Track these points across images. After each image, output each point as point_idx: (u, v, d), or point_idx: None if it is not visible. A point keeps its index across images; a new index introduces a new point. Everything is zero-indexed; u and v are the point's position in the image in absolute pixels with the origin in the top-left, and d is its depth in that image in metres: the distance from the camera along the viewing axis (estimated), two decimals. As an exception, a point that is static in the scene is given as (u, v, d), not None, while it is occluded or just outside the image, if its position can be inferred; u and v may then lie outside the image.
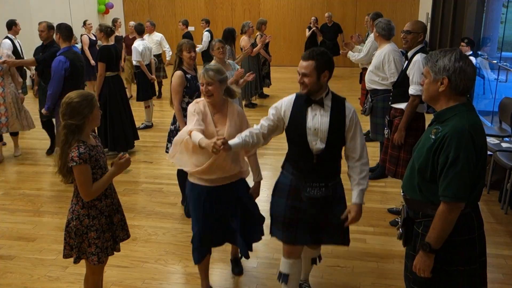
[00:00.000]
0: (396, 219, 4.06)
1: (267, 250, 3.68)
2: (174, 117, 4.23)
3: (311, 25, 11.27)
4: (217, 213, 2.91)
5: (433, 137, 2.03)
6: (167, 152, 4.37)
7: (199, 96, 4.30)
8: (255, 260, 3.53)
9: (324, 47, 10.79)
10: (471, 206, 2.10)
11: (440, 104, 2.07)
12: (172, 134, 4.26)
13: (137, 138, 6.20)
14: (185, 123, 4.15)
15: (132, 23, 6.26)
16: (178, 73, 4.11)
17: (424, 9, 12.07)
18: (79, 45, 11.09)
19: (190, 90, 4.15)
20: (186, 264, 3.51)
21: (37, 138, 6.68)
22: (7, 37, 7.36)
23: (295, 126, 2.60)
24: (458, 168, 1.93)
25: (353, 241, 3.75)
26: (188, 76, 4.16)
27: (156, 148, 6.28)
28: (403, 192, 2.26)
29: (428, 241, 2.04)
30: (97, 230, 2.55)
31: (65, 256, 2.66)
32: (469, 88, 2.03)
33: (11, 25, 7.35)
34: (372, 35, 5.84)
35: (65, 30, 4.92)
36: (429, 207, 2.08)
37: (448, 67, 1.98)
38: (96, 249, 2.56)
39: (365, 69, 5.90)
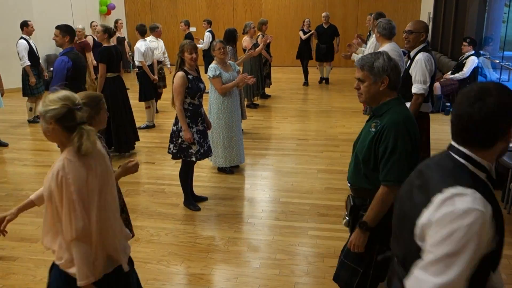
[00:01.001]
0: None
1: (269, 250, 3.68)
2: (176, 117, 4.24)
3: (305, 28, 10.53)
4: None
5: (373, 130, 2.24)
6: (169, 152, 4.38)
7: (201, 97, 4.31)
8: (257, 260, 3.53)
9: (318, 51, 10.42)
10: None
11: (377, 102, 2.27)
12: (174, 134, 4.27)
13: (138, 139, 6.20)
14: (187, 124, 4.17)
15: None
16: (180, 73, 4.12)
17: (426, 9, 12.06)
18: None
19: (192, 91, 4.16)
20: (189, 265, 3.52)
21: (40, 139, 6.70)
22: (22, 38, 7.51)
23: None
24: (397, 156, 2.15)
25: (355, 241, 3.76)
26: (190, 77, 4.16)
27: (158, 149, 6.29)
28: (349, 184, 2.46)
29: (365, 220, 2.26)
30: None
31: None
32: (399, 83, 2.28)
33: (23, 26, 7.57)
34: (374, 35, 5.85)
35: (72, 32, 4.94)
36: (373, 194, 2.26)
37: (386, 67, 2.19)
38: None
39: None
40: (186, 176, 4.45)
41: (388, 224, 2.17)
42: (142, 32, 7.37)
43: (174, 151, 4.29)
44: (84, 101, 2.41)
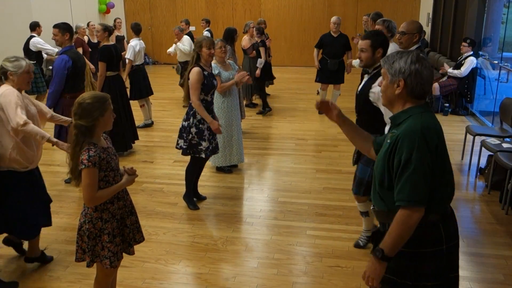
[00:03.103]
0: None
1: (267, 250, 3.68)
2: (187, 113, 4.20)
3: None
4: None
5: (388, 141, 1.97)
6: (177, 148, 4.34)
7: (213, 94, 4.30)
8: (255, 260, 3.53)
9: (324, 68, 7.79)
10: (438, 214, 1.96)
11: (396, 107, 2.00)
12: (185, 130, 4.22)
13: (137, 138, 6.19)
14: (208, 116, 4.12)
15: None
16: (196, 69, 4.08)
17: (425, 9, 12.07)
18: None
19: (206, 87, 4.13)
20: (187, 264, 3.52)
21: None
22: (33, 36, 7.78)
23: None
24: (411, 170, 1.83)
25: (353, 241, 3.76)
26: (205, 73, 4.14)
27: (156, 148, 6.28)
28: (372, 205, 2.16)
29: (381, 247, 1.89)
30: (109, 234, 2.53)
31: (78, 259, 2.61)
32: (425, 92, 1.96)
33: (35, 27, 7.95)
34: None
35: (71, 29, 4.92)
36: (392, 217, 1.91)
37: (404, 69, 1.92)
38: (109, 253, 2.54)
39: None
40: (193, 173, 4.41)
41: (420, 254, 1.93)
42: (137, 30, 7.37)
43: (184, 146, 4.23)
44: (89, 101, 2.40)
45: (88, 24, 9.61)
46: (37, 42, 7.63)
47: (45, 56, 8.20)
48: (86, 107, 2.39)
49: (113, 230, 2.54)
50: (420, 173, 1.83)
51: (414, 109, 1.95)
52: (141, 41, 7.34)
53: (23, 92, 3.28)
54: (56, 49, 7.39)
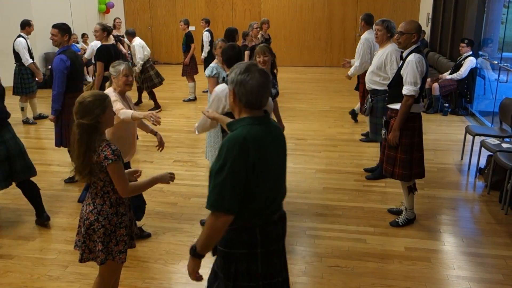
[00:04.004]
0: (396, 220, 4.06)
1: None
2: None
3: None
4: None
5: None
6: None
7: None
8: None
9: None
10: (256, 219, 2.01)
11: (236, 115, 2.05)
12: None
13: (136, 138, 6.18)
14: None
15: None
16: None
17: (425, 9, 12.07)
18: (79, 45, 11.13)
19: None
20: (186, 263, 3.50)
21: (35, 137, 6.68)
22: (21, 36, 7.44)
23: None
24: (221, 178, 1.86)
25: (353, 241, 3.77)
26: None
27: (156, 148, 6.26)
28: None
29: (195, 245, 1.99)
30: (126, 226, 2.56)
31: (84, 260, 2.58)
32: (252, 102, 1.96)
33: (25, 25, 7.51)
34: (363, 37, 5.92)
35: (70, 30, 4.90)
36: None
37: (233, 79, 1.98)
38: (124, 246, 2.56)
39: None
40: None
41: (233, 254, 2.00)
42: (133, 33, 7.42)
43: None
44: (90, 100, 2.41)
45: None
46: (19, 44, 7.29)
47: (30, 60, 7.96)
48: (87, 105, 2.39)
49: (128, 221, 2.59)
50: (229, 183, 1.86)
51: (247, 119, 1.98)
52: (139, 38, 7.41)
53: (126, 94, 3.60)
54: (31, 61, 7.32)
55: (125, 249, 2.57)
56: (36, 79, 7.48)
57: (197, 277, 2.05)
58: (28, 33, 7.52)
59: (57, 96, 4.71)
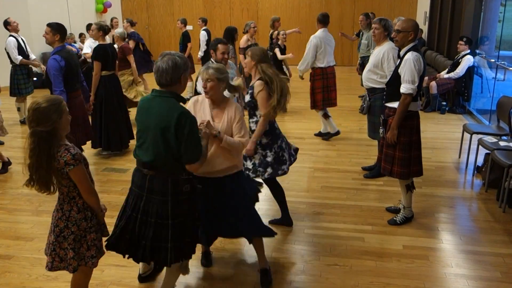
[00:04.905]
0: (394, 218, 4.07)
1: (265, 249, 3.66)
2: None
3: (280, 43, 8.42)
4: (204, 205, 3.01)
5: None
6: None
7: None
8: (254, 259, 3.53)
9: None
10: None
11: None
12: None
13: (133, 137, 6.19)
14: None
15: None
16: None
17: (422, 8, 12.09)
18: (77, 45, 11.11)
19: None
20: (185, 262, 3.50)
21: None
22: (11, 36, 7.45)
23: None
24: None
25: (351, 240, 3.78)
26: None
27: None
28: None
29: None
30: (96, 231, 2.54)
31: (54, 268, 2.53)
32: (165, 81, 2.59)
33: (6, 26, 7.50)
34: (312, 36, 6.23)
35: (63, 31, 4.87)
36: None
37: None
38: (96, 251, 2.54)
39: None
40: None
41: None
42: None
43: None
44: (45, 105, 2.30)
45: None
46: (8, 43, 7.30)
47: (33, 56, 7.93)
48: (43, 111, 2.29)
49: (97, 224, 2.56)
50: None
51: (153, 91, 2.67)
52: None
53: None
54: (19, 58, 7.28)
55: (96, 254, 2.53)
56: (38, 71, 7.39)
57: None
58: (15, 30, 7.47)
59: (60, 95, 4.71)
